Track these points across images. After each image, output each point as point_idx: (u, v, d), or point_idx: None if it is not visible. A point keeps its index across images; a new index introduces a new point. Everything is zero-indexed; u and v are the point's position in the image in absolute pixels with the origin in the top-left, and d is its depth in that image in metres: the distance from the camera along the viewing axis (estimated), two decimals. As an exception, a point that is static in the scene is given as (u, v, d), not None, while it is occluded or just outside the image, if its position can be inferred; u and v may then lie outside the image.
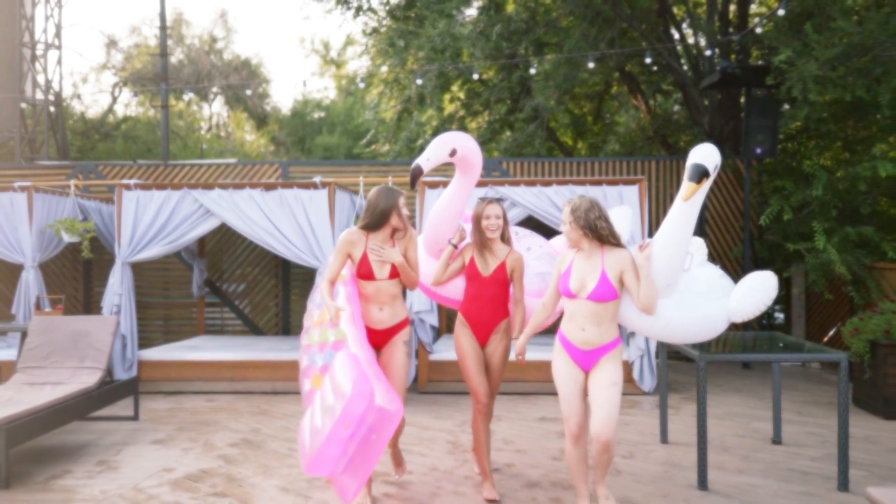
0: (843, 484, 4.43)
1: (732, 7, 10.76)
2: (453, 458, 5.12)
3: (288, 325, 9.71)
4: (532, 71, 10.77)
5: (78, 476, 4.72)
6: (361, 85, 12.49)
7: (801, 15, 8.55)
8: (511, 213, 7.14)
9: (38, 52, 16.51)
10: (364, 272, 4.03)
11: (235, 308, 9.87)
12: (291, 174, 9.80)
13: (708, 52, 10.17)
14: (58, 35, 16.95)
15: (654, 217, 9.24)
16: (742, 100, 10.07)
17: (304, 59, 46.58)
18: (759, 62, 10.16)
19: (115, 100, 25.04)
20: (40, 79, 16.62)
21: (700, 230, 9.13)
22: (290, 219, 7.25)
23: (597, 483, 3.90)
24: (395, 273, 4.05)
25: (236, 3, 41.11)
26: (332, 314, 3.81)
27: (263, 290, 9.89)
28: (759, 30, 8.42)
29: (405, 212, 4.06)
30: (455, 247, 4.36)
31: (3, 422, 4.50)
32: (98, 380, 5.63)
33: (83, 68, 41.21)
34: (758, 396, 7.21)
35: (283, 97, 48.50)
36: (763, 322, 9.19)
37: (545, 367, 7.08)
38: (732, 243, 9.56)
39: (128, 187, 7.42)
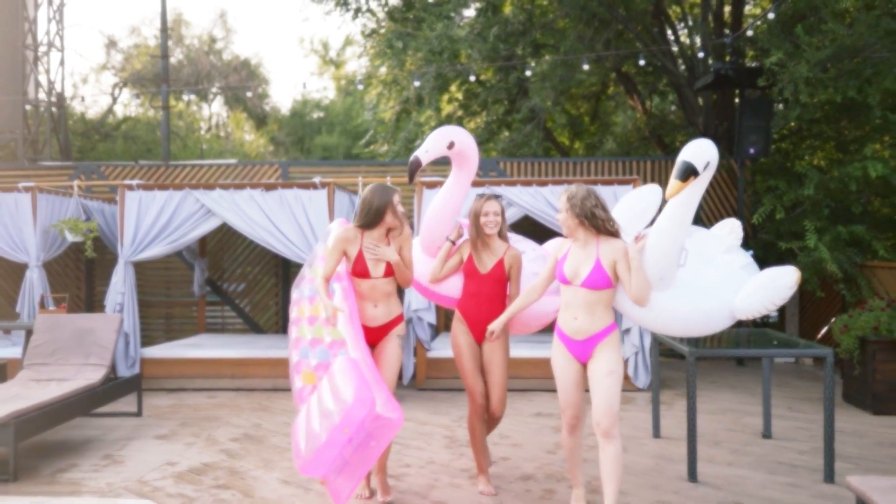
0: (829, 476, 4.56)
1: (727, 8, 10.89)
2: (450, 452, 5.24)
3: (288, 323, 9.81)
4: (528, 73, 10.89)
5: (84, 469, 4.84)
6: (360, 87, 12.61)
7: (794, 17, 8.68)
8: (507, 213, 7.25)
9: (41, 52, 16.62)
10: (359, 270, 4.04)
11: (236, 307, 9.99)
12: (291, 174, 9.92)
13: (701, 55, 10.30)
14: (60, 35, 17.07)
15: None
16: (736, 100, 10.20)
17: (303, 59, 46.80)
18: (754, 63, 10.29)
19: (115, 100, 25.16)
20: (42, 80, 16.73)
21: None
22: (290, 218, 7.37)
23: (607, 499, 3.66)
24: (389, 271, 4.05)
25: (236, 4, 41.25)
26: (330, 314, 3.81)
27: (264, 289, 10.01)
28: (750, 32, 8.55)
29: (400, 209, 4.05)
30: (453, 243, 4.36)
31: (11, 416, 4.61)
32: (102, 376, 5.75)
33: (83, 69, 41.35)
34: (750, 392, 7.33)
35: (282, 97, 48.67)
36: (757, 320, 9.32)
37: (541, 363, 7.21)
38: (727, 242, 9.67)
39: (130, 188, 7.54)
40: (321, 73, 30.92)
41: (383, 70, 13.12)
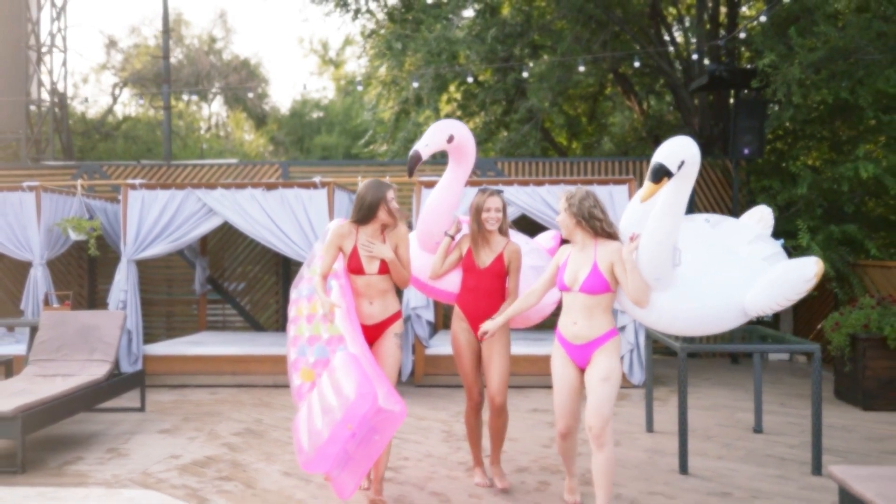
0: (817, 468, 4.68)
1: (723, 10, 11.01)
2: (447, 446, 5.36)
3: (287, 322, 9.92)
4: (524, 75, 11.01)
5: (90, 462, 4.95)
6: (360, 88, 12.73)
7: (787, 19, 8.80)
8: (505, 212, 7.36)
9: (43, 52, 16.73)
10: (354, 266, 4.00)
11: (237, 305, 10.11)
12: (292, 174, 10.04)
13: (695, 57, 10.42)
14: (61, 34, 17.17)
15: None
16: (732, 101, 10.32)
17: (302, 58, 46.92)
18: (749, 65, 10.41)
19: (115, 100, 25.29)
20: (45, 80, 16.83)
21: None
22: (290, 217, 7.49)
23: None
24: (384, 268, 4.00)
25: (235, 4, 41.34)
26: (327, 310, 3.80)
27: (264, 287, 10.13)
28: (742, 35, 8.67)
29: (395, 205, 3.98)
30: (452, 238, 4.35)
31: (18, 410, 4.72)
32: (107, 372, 5.87)
33: (83, 69, 41.44)
34: (744, 389, 7.45)
35: (281, 97, 48.84)
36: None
37: (538, 360, 7.33)
38: (722, 241, 9.79)
39: (133, 187, 7.65)
40: (321, 73, 31.06)
41: (383, 70, 13.24)
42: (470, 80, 11.56)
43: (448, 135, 4.19)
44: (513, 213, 7.48)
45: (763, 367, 8.82)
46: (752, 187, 9.50)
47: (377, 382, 3.55)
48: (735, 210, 8.97)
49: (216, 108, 30.12)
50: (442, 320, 9.30)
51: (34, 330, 6.73)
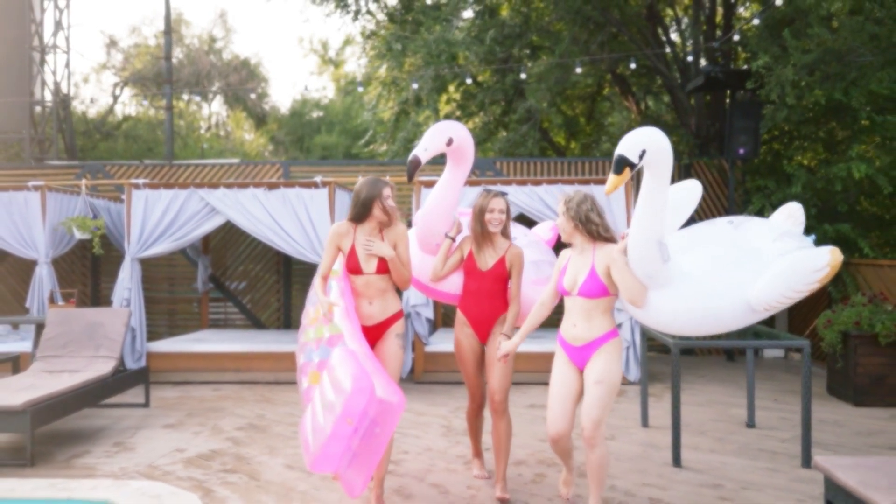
0: (807, 461, 4.80)
1: (720, 10, 11.13)
2: (447, 440, 5.48)
3: (289, 319, 10.06)
4: (523, 75, 11.13)
5: (97, 455, 5.07)
6: (360, 88, 12.85)
7: (782, 21, 8.92)
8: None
9: (46, 53, 16.85)
10: (352, 266, 3.94)
11: (239, 303, 10.22)
12: (293, 174, 10.15)
13: (690, 58, 10.54)
14: (63, 33, 17.29)
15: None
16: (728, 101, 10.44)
17: (302, 58, 47.00)
18: (744, 66, 10.52)
19: (115, 100, 25.40)
20: (48, 80, 16.95)
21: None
22: (292, 216, 7.60)
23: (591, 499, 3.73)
24: (382, 268, 3.93)
25: (235, 4, 41.43)
26: (326, 309, 3.80)
27: (266, 285, 10.24)
28: (737, 37, 8.78)
29: (391, 203, 3.91)
30: (452, 240, 4.31)
31: (27, 405, 4.84)
32: (112, 368, 5.99)
33: (84, 68, 41.52)
34: (738, 385, 7.57)
35: (281, 97, 48.93)
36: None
37: (536, 357, 7.45)
38: (718, 240, 9.91)
39: (137, 186, 7.77)
40: (321, 73, 31.16)
41: (382, 71, 13.36)
42: (469, 80, 11.66)
43: (447, 138, 4.14)
44: (511, 212, 7.57)
45: (758, 364, 8.94)
46: (747, 187, 9.61)
47: (374, 375, 3.55)
48: (731, 209, 9.09)
49: (216, 107, 30.24)
50: (441, 318, 9.42)
51: (40, 327, 6.86)
